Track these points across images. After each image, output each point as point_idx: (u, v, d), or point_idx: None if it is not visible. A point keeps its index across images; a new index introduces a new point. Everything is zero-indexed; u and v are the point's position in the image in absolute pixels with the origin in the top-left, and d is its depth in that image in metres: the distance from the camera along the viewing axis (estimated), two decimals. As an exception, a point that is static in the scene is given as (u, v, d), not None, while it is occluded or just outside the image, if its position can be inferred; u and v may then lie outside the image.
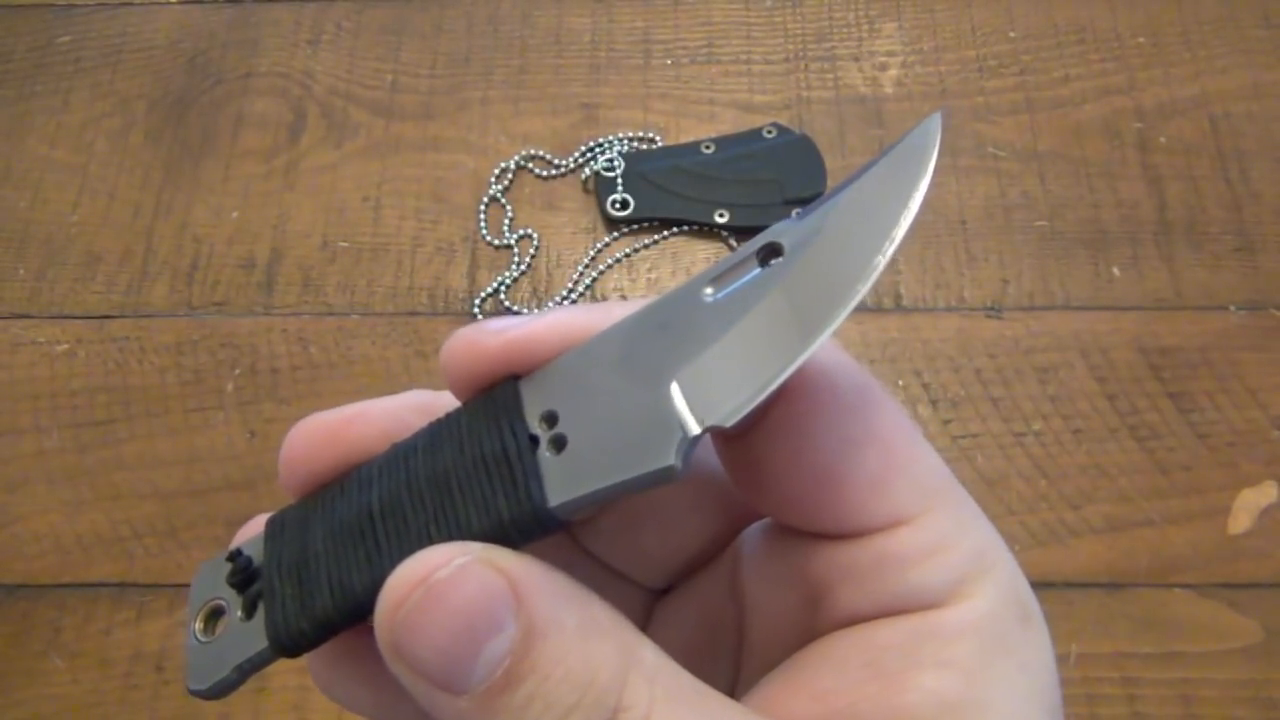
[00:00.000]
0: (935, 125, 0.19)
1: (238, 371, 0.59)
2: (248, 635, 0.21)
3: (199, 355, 0.59)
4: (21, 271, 0.63)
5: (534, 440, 0.19)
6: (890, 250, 0.18)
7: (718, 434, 0.19)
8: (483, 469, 0.19)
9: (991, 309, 0.60)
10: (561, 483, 0.19)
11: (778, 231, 0.20)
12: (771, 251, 0.19)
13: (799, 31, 0.69)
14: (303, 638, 0.20)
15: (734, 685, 0.23)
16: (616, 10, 0.70)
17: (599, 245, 0.62)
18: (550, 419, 0.20)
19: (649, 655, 0.18)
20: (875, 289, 0.60)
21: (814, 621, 0.20)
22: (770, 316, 0.18)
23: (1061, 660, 0.51)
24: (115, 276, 0.62)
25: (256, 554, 0.22)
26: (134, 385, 0.59)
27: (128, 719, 0.51)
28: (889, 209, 0.19)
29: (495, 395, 0.20)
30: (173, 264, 0.62)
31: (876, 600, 0.19)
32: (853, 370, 0.20)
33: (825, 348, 0.19)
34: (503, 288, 0.61)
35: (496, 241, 0.63)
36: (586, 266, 0.62)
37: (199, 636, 0.21)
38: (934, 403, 0.57)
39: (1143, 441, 0.55)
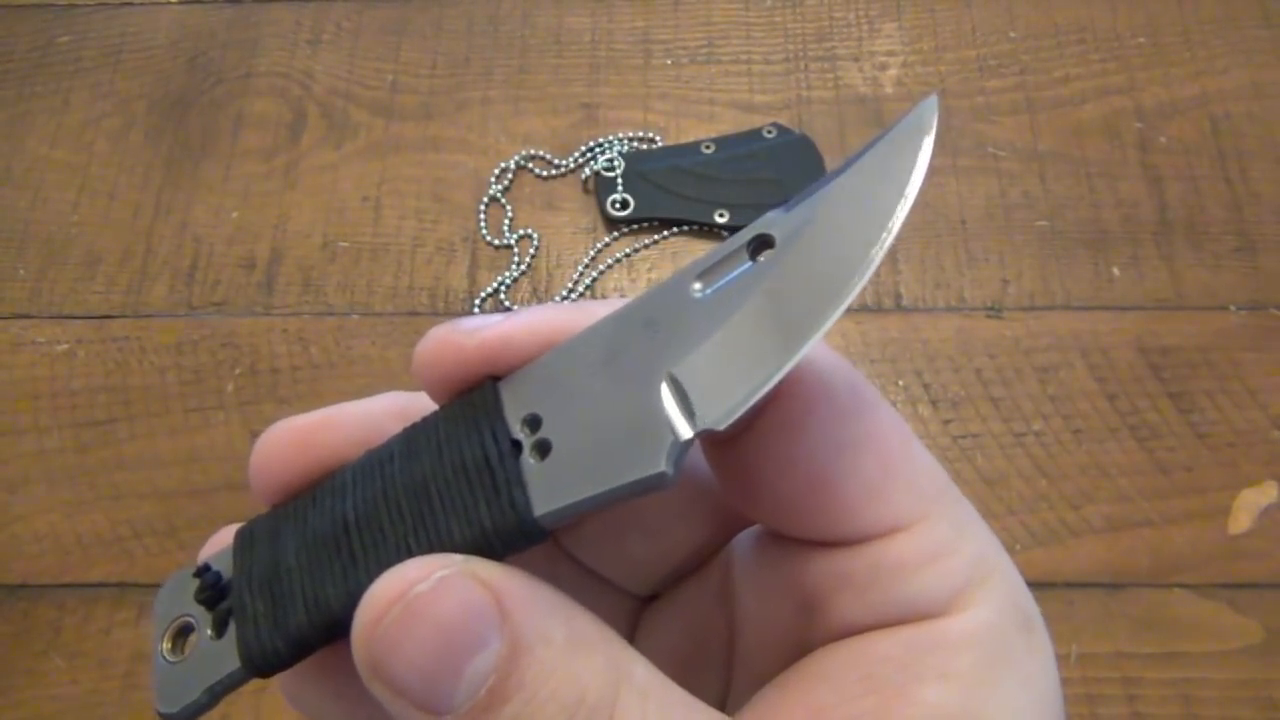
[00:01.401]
0: (931, 108, 0.18)
1: (238, 371, 0.59)
2: (219, 655, 0.20)
3: (199, 355, 0.59)
4: (21, 271, 0.63)
5: (516, 446, 0.18)
6: (887, 241, 0.17)
7: (709, 438, 0.18)
8: (463, 477, 0.18)
9: (991, 309, 0.60)
10: (547, 491, 0.18)
11: (768, 222, 0.18)
12: (762, 244, 0.18)
13: (799, 31, 0.69)
14: (277, 657, 0.19)
15: (724, 698, 0.22)
16: (616, 10, 0.70)
17: (599, 245, 0.62)
18: (533, 423, 0.19)
19: (640, 670, 0.17)
20: (875, 288, 0.60)
21: (808, 632, 0.20)
22: (762, 313, 0.18)
23: (1061, 660, 0.51)
24: (115, 276, 0.62)
25: (226, 568, 0.20)
26: (134, 385, 0.59)
27: (128, 719, 0.51)
28: (884, 197, 0.18)
29: (474, 398, 0.19)
30: (173, 264, 0.62)
31: (874, 610, 0.19)
32: (846, 371, 0.19)
33: (817, 347, 0.18)
34: (503, 288, 0.61)
35: (496, 241, 0.63)
36: (586, 266, 0.62)
37: (167, 656, 0.20)
38: (934, 403, 0.57)
39: (1143, 441, 0.55)
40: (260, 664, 0.19)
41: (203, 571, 0.20)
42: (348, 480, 0.20)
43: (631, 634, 0.24)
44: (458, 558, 0.18)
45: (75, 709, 0.51)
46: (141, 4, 0.72)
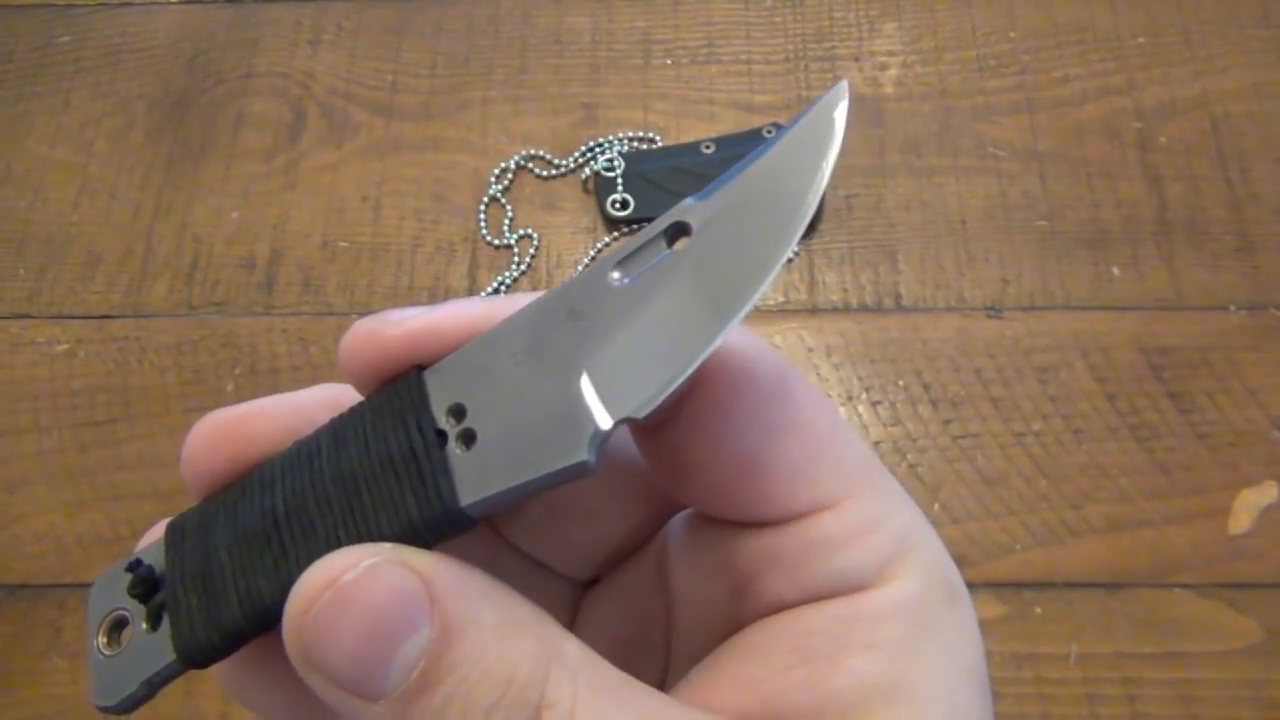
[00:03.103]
0: (842, 93, 0.18)
1: (238, 371, 0.59)
2: (154, 647, 0.20)
3: (199, 355, 0.59)
4: (21, 271, 0.63)
5: (441, 436, 0.19)
6: (800, 225, 0.18)
7: (634, 424, 0.18)
8: (390, 468, 0.18)
9: (991, 309, 0.60)
10: (473, 480, 0.18)
11: (684, 209, 0.19)
12: (679, 231, 0.19)
13: (799, 31, 0.69)
14: (212, 649, 0.19)
15: (664, 678, 0.23)
16: (616, 10, 0.70)
17: (599, 245, 0.62)
18: (458, 412, 0.19)
19: (572, 650, 0.18)
20: (875, 288, 0.60)
21: (741, 610, 0.20)
22: (680, 300, 0.18)
23: (1061, 660, 0.51)
24: (115, 276, 0.62)
25: (158, 561, 0.20)
26: (134, 385, 0.59)
27: (128, 719, 0.50)
28: (797, 183, 0.18)
29: (399, 387, 0.20)
30: (173, 264, 0.62)
31: (803, 586, 0.19)
32: (770, 356, 0.20)
33: (740, 333, 0.19)
34: (503, 288, 0.61)
35: (496, 241, 0.63)
36: (586, 266, 0.62)
37: (103, 650, 0.20)
38: (934, 403, 0.57)
39: (1143, 441, 0.55)
40: (195, 657, 0.19)
41: (135, 566, 0.20)
42: (276, 472, 0.20)
43: (572, 618, 0.25)
44: (386, 546, 0.18)
45: (75, 709, 0.51)
46: (141, 4, 0.72)
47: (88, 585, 0.54)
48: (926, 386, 0.58)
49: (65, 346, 0.60)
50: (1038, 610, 0.52)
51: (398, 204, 0.64)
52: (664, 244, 0.19)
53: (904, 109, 0.66)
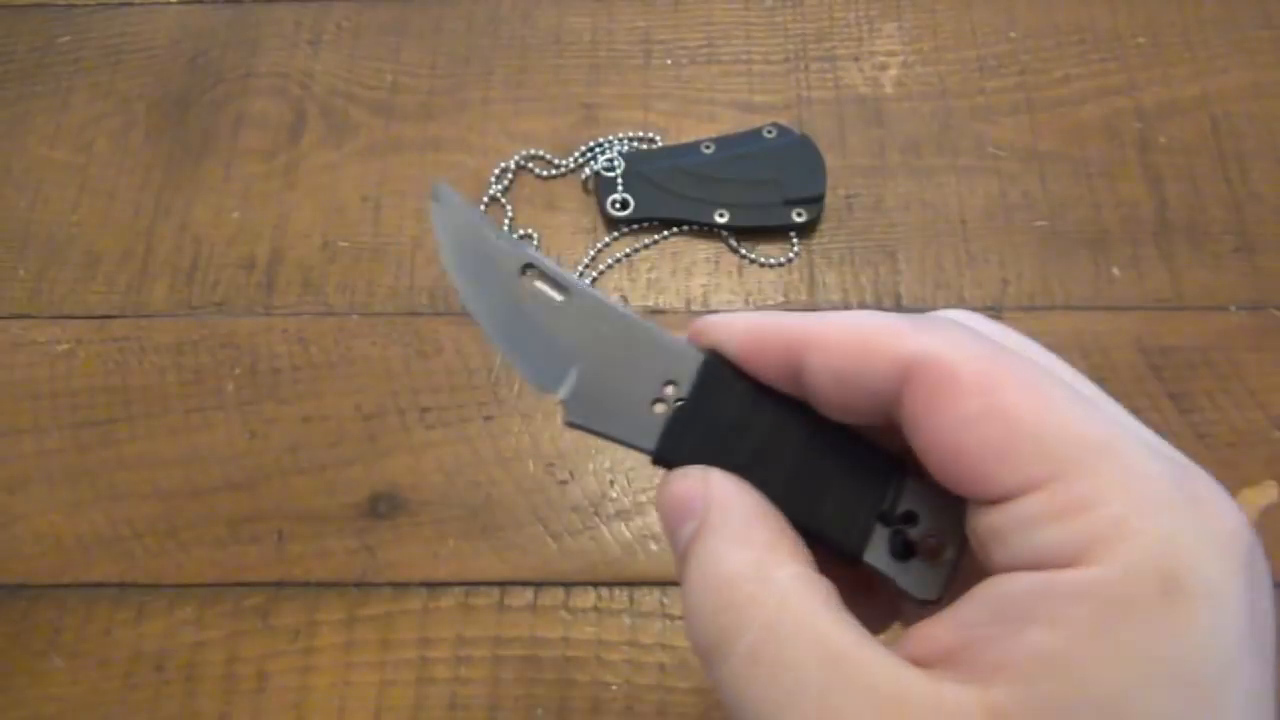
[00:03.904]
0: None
1: (238, 371, 0.59)
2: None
3: (199, 355, 0.59)
4: (21, 271, 0.63)
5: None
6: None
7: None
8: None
9: (991, 309, 0.60)
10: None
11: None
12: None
13: (799, 31, 0.69)
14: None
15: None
16: (616, 10, 0.70)
17: (599, 245, 0.62)
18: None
19: (784, 577, 0.23)
20: (875, 288, 0.60)
21: (980, 564, 0.23)
22: None
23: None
24: (115, 276, 0.62)
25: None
26: (134, 385, 0.59)
27: (127, 719, 0.51)
28: None
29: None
30: (173, 264, 0.62)
31: (1012, 557, 0.21)
32: (973, 357, 0.22)
33: (948, 336, 0.23)
34: (503, 288, 0.61)
35: (496, 241, 0.63)
36: (586, 266, 0.62)
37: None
38: (934, 403, 0.57)
39: (1143, 441, 0.55)
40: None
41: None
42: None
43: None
44: (702, 469, 0.26)
45: (75, 709, 0.51)
46: (141, 4, 0.72)
47: (88, 585, 0.54)
48: (926, 386, 0.58)
49: (65, 346, 0.60)
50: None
51: (398, 204, 0.64)
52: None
53: (904, 109, 0.66)
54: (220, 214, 0.64)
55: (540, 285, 0.27)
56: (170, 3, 0.72)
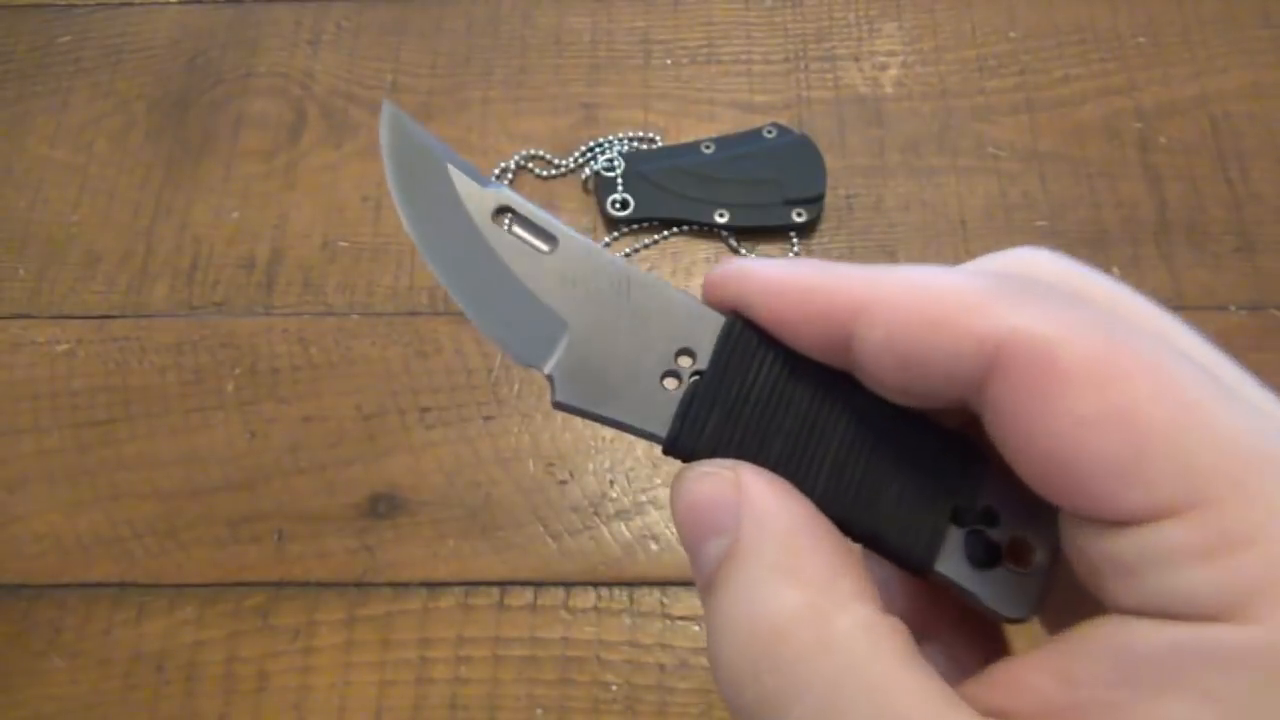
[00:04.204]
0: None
1: (238, 371, 0.59)
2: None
3: (199, 355, 0.59)
4: (21, 271, 0.63)
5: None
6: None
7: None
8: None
9: (991, 309, 0.59)
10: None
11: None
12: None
13: (799, 31, 0.69)
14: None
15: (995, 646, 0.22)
16: (616, 10, 0.70)
17: (599, 245, 0.62)
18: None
19: (845, 624, 0.17)
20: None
21: (1080, 596, 0.18)
22: None
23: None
24: (115, 276, 0.62)
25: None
26: (134, 385, 0.59)
27: (128, 719, 0.51)
28: None
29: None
30: (173, 264, 0.62)
31: (1142, 596, 0.17)
32: (1085, 339, 0.17)
33: (1053, 313, 0.18)
34: (503, 288, 0.61)
35: (496, 241, 0.63)
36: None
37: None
38: (934, 403, 0.57)
39: (1143, 441, 0.55)
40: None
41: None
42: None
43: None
44: (730, 463, 0.20)
45: (75, 709, 0.51)
46: (141, 4, 0.72)
47: (88, 585, 0.54)
48: (926, 386, 0.58)
49: (65, 346, 0.60)
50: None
51: (398, 204, 0.64)
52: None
53: (904, 109, 0.66)
54: (220, 214, 0.64)
55: (520, 233, 0.22)
56: (170, 3, 0.72)
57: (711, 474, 0.20)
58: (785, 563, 0.18)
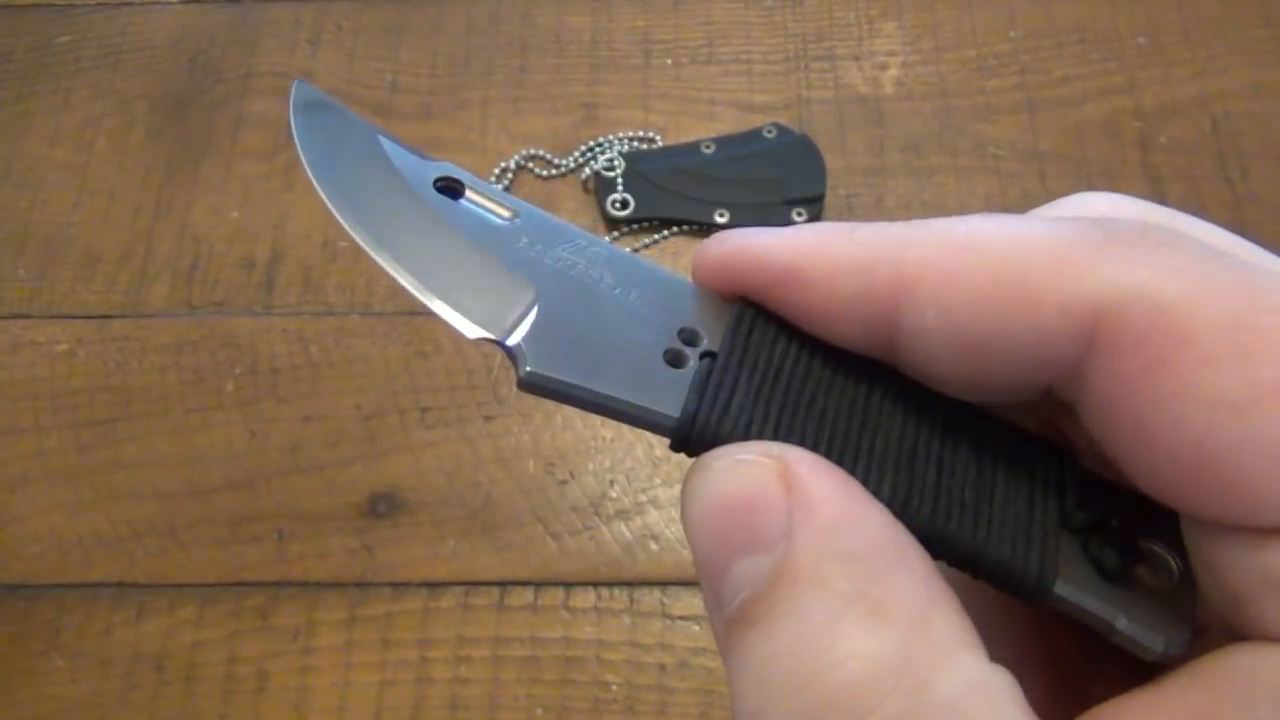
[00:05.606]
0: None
1: (238, 371, 0.59)
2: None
3: (199, 355, 0.59)
4: (21, 271, 0.63)
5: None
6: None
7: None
8: None
9: (991, 309, 0.60)
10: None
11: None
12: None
13: (799, 31, 0.69)
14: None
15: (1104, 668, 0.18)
16: (616, 10, 0.70)
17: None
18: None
19: (946, 686, 0.13)
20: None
21: (1212, 619, 0.15)
22: None
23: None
24: (115, 276, 0.62)
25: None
26: (134, 385, 0.59)
27: (128, 719, 0.51)
28: None
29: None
30: (173, 264, 0.62)
31: None
32: (1216, 303, 0.14)
33: (1166, 271, 0.14)
34: (503, 288, 0.61)
35: (496, 241, 0.63)
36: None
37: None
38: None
39: (1143, 441, 0.55)
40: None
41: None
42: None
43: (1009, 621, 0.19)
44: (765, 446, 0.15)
45: (75, 709, 0.51)
46: (141, 4, 0.72)
47: (87, 585, 0.54)
48: (926, 386, 0.58)
49: (65, 346, 0.60)
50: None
51: (398, 204, 0.64)
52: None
53: (904, 109, 0.66)
54: (220, 214, 0.64)
55: (474, 200, 0.20)
56: (170, 3, 0.72)
57: (747, 461, 0.14)
58: (863, 592, 0.13)
